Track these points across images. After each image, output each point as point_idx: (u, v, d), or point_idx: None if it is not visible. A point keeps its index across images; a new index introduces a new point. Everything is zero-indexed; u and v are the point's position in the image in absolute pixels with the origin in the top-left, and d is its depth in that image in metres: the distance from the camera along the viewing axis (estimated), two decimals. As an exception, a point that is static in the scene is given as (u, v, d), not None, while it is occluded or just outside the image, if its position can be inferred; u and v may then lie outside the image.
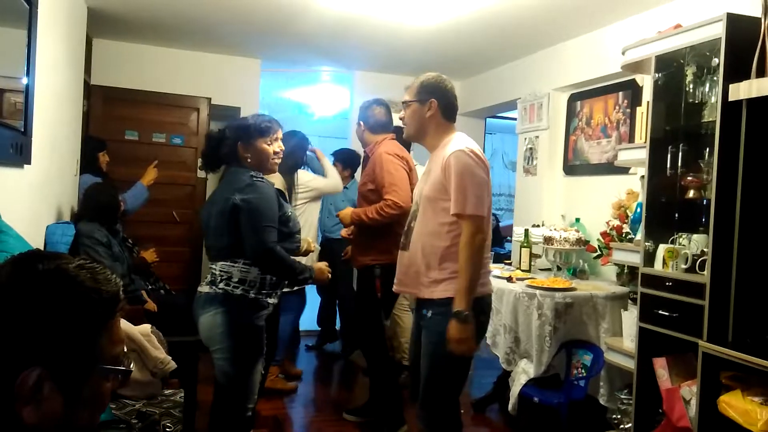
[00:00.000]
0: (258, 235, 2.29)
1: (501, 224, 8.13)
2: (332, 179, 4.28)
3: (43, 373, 0.81)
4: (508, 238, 7.33)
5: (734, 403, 2.25)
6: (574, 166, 4.42)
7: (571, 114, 4.46)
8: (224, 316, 2.32)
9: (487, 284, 2.38)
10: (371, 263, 3.39)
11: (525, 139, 4.85)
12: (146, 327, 2.54)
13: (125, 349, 0.93)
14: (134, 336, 2.42)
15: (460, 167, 2.25)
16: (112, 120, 4.87)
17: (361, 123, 3.53)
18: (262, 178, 2.41)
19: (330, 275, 2.63)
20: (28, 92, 2.52)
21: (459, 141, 2.36)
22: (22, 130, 2.48)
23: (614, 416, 3.21)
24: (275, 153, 2.50)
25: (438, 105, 2.41)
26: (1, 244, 2.02)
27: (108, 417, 1.94)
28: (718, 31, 2.48)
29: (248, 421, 2.45)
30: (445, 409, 2.39)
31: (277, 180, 3.41)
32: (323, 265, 2.60)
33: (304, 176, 4.05)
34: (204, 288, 2.40)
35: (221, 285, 2.34)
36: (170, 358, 2.50)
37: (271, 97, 6.87)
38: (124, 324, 2.40)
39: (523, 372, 3.41)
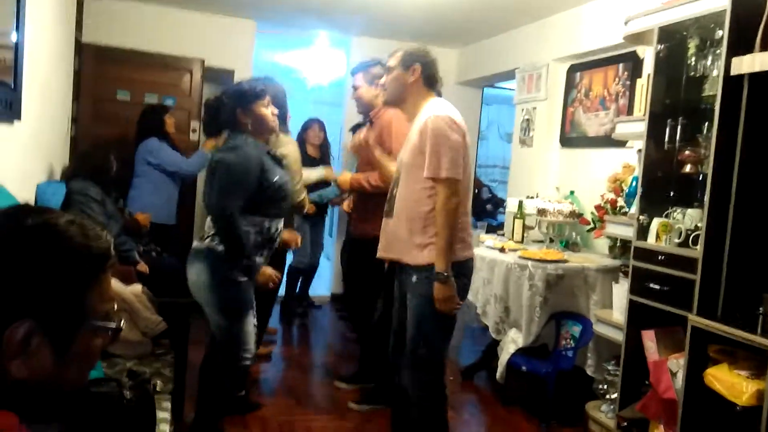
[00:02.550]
0: (218, 193, 2.36)
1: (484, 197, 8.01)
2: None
3: (32, 327, 0.80)
4: (501, 209, 7.30)
5: (721, 377, 2.28)
6: (570, 138, 4.39)
7: (569, 85, 4.42)
8: (207, 271, 2.41)
9: (468, 248, 2.43)
10: (375, 233, 3.33)
11: (522, 110, 4.81)
12: (137, 287, 2.54)
13: (116, 308, 0.91)
14: (125, 296, 2.42)
15: (436, 131, 2.30)
16: (103, 79, 4.79)
17: (374, 85, 3.34)
18: (250, 142, 2.45)
19: (273, 286, 2.59)
20: (17, 48, 2.47)
21: (436, 106, 2.40)
22: (12, 85, 2.44)
23: (601, 386, 3.26)
24: (273, 114, 2.54)
25: (421, 71, 2.45)
26: (-10, 201, 1.99)
27: (99, 375, 1.94)
28: (724, 2, 2.44)
29: (243, 373, 2.53)
30: (431, 370, 2.43)
31: (290, 143, 3.33)
32: (272, 272, 2.54)
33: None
34: (195, 243, 2.50)
35: (207, 241, 2.43)
36: (161, 318, 2.50)
37: (266, 62, 6.76)
38: (115, 283, 2.39)
39: (512, 341, 3.44)
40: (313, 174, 4.56)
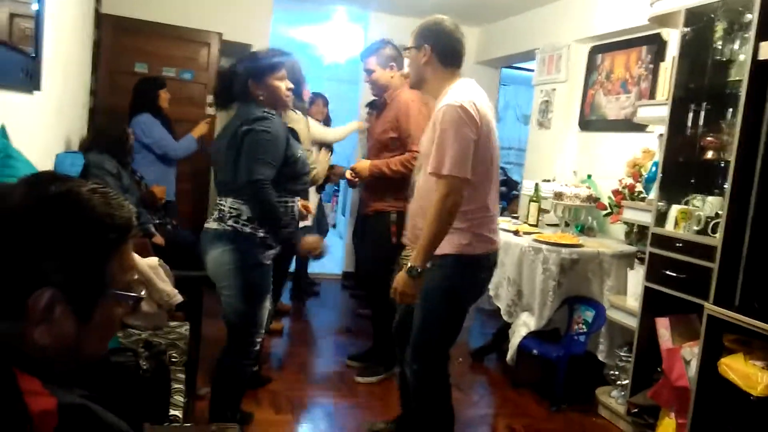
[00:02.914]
0: (250, 164, 2.26)
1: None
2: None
3: (55, 295, 0.80)
4: (515, 192, 7.28)
5: (735, 366, 2.26)
6: (589, 122, 4.34)
7: (591, 67, 4.35)
8: (233, 253, 2.32)
9: (486, 242, 2.28)
10: (387, 209, 3.34)
11: (541, 91, 4.76)
12: (154, 259, 2.54)
13: (135, 278, 0.92)
14: (141, 268, 2.42)
15: (445, 124, 2.12)
16: (122, 51, 4.78)
17: (388, 67, 3.32)
18: (275, 114, 2.36)
19: (318, 253, 2.55)
20: (38, 17, 2.46)
21: (454, 93, 2.20)
22: (33, 55, 2.43)
23: (612, 372, 3.26)
24: (288, 88, 2.45)
25: (432, 51, 2.27)
26: (11, 170, 2.00)
27: (115, 345, 1.96)
28: (755, -15, 2.38)
29: (255, 355, 2.50)
30: (434, 362, 2.37)
31: (301, 122, 3.32)
32: (317, 239, 2.49)
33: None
34: (212, 224, 2.38)
35: (230, 222, 2.32)
36: (177, 291, 2.50)
37: (282, 37, 6.71)
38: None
39: (524, 324, 3.43)
40: (347, 128, 4.60)
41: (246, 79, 2.37)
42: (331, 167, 4.50)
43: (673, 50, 3.20)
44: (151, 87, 4.18)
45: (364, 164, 3.39)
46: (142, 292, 0.89)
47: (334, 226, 8.55)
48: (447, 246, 2.21)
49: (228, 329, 2.45)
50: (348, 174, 3.51)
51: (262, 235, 2.34)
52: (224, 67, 2.50)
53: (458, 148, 2.10)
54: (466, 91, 2.22)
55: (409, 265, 2.17)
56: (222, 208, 2.36)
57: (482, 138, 2.18)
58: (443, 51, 2.29)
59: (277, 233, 2.36)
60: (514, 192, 6.89)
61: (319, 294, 5.31)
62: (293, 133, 2.52)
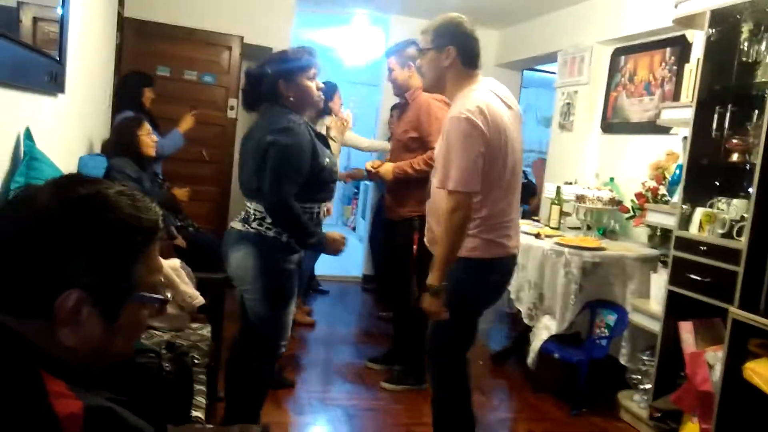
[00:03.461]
0: (273, 182, 2.20)
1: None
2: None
3: (82, 296, 0.81)
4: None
5: (761, 371, 2.23)
6: (612, 124, 4.29)
7: (613, 69, 4.31)
8: (256, 256, 2.28)
9: (496, 246, 2.22)
10: (410, 215, 3.33)
11: (563, 93, 4.72)
12: (176, 261, 2.57)
13: (161, 279, 0.92)
14: (164, 270, 2.45)
15: (451, 138, 2.08)
16: (144, 55, 4.83)
17: (407, 67, 3.31)
18: (301, 123, 2.28)
19: (343, 248, 2.46)
20: (63, 22, 2.50)
21: (464, 99, 2.13)
22: (57, 58, 2.47)
23: (634, 376, 3.22)
24: (319, 88, 2.38)
25: (457, 52, 2.19)
26: (36, 172, 2.03)
27: (138, 346, 1.98)
28: (782, -15, 2.35)
29: (276, 359, 2.46)
30: (447, 365, 2.35)
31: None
32: (338, 235, 2.42)
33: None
34: (237, 225, 2.35)
35: (254, 224, 2.29)
36: (198, 293, 2.53)
37: (303, 40, 6.75)
38: (155, 257, 2.41)
39: (545, 328, 3.41)
40: (378, 144, 4.62)
41: (276, 79, 2.30)
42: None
43: (697, 52, 3.16)
44: (136, 83, 4.06)
45: (387, 167, 3.38)
46: (169, 295, 0.90)
47: (353, 228, 8.58)
48: None
49: (248, 332, 2.41)
50: (368, 165, 3.49)
51: (285, 239, 2.30)
52: (252, 68, 2.43)
53: (464, 162, 2.05)
54: (477, 97, 2.13)
55: (427, 284, 2.15)
56: (248, 209, 2.34)
57: (492, 145, 2.10)
58: (467, 52, 2.21)
59: (305, 243, 2.33)
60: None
61: (328, 292, 5.30)
62: (322, 138, 2.45)
